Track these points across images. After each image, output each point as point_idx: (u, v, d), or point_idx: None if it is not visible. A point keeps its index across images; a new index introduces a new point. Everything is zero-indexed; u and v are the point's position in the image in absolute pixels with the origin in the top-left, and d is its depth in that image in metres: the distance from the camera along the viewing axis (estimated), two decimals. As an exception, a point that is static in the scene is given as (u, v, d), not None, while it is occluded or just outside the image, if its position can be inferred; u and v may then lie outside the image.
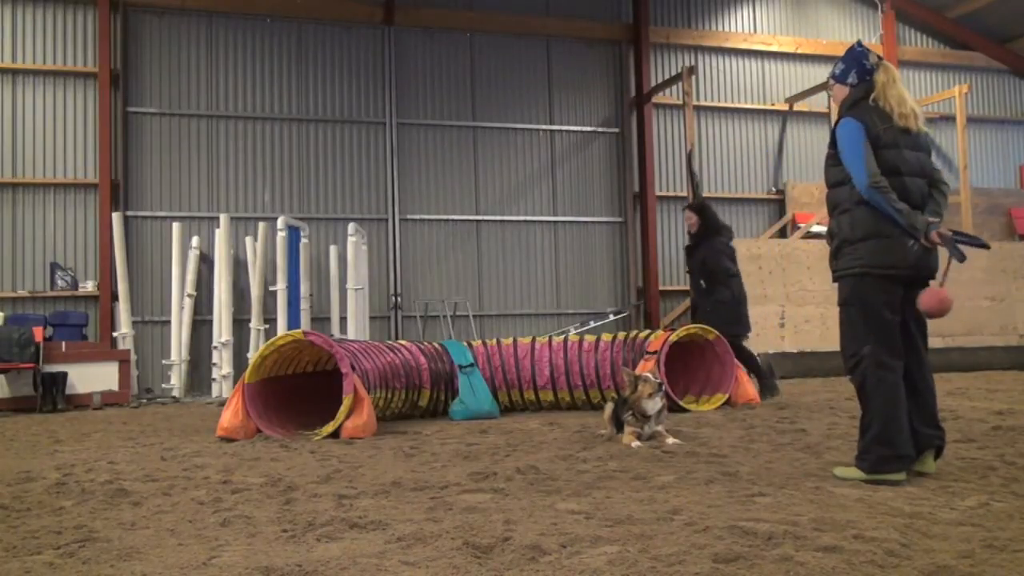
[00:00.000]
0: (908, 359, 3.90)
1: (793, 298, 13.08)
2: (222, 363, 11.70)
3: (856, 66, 4.06)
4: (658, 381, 5.47)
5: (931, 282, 3.91)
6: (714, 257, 8.19)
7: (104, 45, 12.68)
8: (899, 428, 3.77)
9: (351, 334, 11.91)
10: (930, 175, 4.00)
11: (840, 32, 16.53)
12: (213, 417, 7.49)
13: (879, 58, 4.08)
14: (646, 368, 7.11)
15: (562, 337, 8.13)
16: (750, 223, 15.74)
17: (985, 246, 3.94)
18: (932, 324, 4.12)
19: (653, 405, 5.35)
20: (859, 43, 4.18)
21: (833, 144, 4.00)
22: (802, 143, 16.15)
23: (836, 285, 4.04)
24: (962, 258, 3.72)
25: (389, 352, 7.16)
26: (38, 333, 10.18)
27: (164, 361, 12.22)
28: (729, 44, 15.84)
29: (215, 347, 11.90)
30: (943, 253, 3.83)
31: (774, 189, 15.93)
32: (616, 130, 15.20)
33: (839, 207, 3.98)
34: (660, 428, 5.38)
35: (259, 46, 13.56)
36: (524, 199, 14.64)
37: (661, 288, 14.95)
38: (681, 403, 7.28)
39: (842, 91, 4.12)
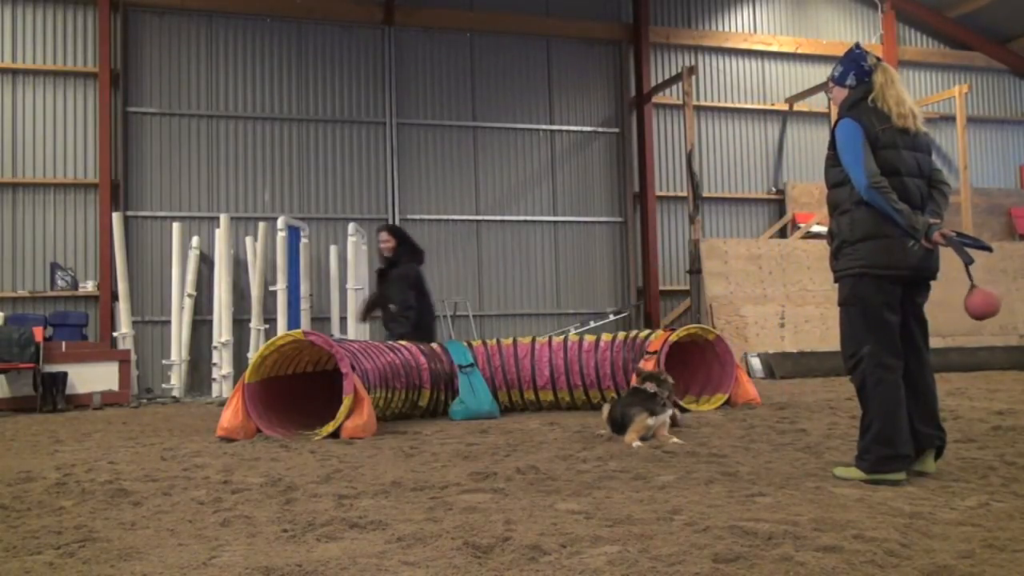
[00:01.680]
0: (909, 359, 3.90)
1: (793, 298, 13.08)
2: (222, 363, 11.70)
3: (854, 68, 4.06)
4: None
5: (974, 287, 3.83)
6: (398, 288, 8.14)
7: (104, 45, 12.69)
8: (899, 428, 3.77)
9: (351, 334, 11.91)
10: (930, 175, 4.00)
11: (840, 32, 16.53)
12: (213, 417, 7.49)
13: (877, 59, 4.08)
14: (646, 368, 7.12)
15: (562, 337, 8.12)
16: (750, 223, 15.74)
17: (988, 248, 3.94)
18: (932, 324, 4.12)
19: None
20: (857, 45, 4.19)
21: (832, 145, 4.01)
22: (802, 143, 16.15)
23: (837, 285, 4.05)
24: (970, 260, 3.72)
25: (389, 352, 7.16)
26: (38, 333, 10.18)
27: (164, 361, 12.22)
28: (729, 44, 15.84)
29: (215, 347, 11.90)
30: (944, 253, 3.83)
31: (774, 189, 15.94)
32: (616, 130, 15.20)
33: (839, 208, 3.98)
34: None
35: (259, 46, 13.57)
36: (524, 199, 14.64)
37: (661, 288, 14.96)
38: (681, 403, 7.27)
39: (841, 93, 4.13)
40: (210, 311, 12.33)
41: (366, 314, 9.07)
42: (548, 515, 3.23)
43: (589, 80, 15.15)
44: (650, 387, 5.47)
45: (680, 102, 14.76)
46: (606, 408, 5.77)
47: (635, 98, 15.21)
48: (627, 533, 2.89)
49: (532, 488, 3.83)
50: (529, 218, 14.58)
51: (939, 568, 2.41)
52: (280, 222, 12.07)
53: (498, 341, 8.11)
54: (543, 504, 3.46)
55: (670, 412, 5.48)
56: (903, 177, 3.87)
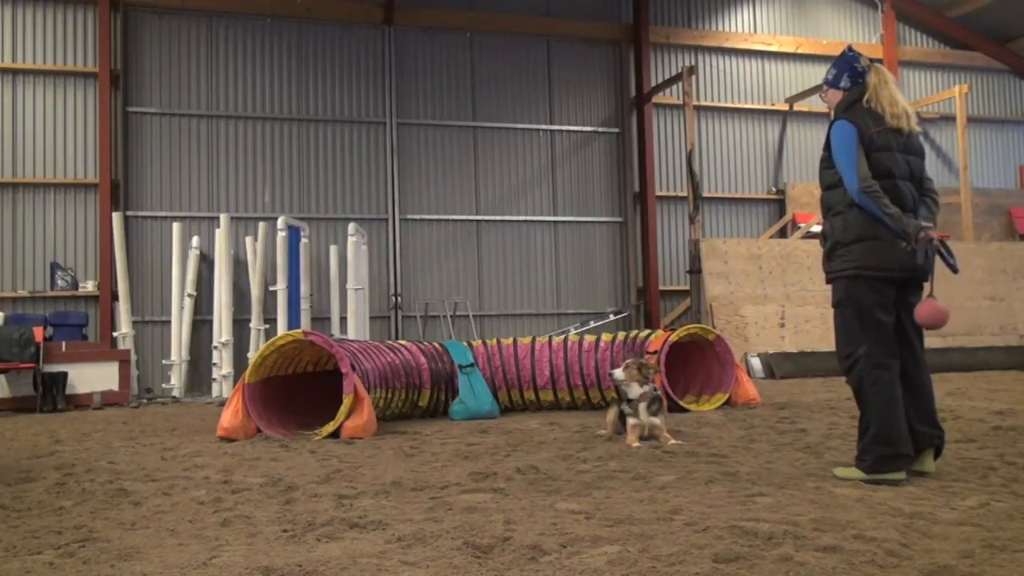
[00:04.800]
0: (905, 358, 3.91)
1: (793, 298, 13.07)
2: (222, 363, 11.70)
3: (848, 70, 4.07)
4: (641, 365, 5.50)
5: (925, 294, 3.89)
6: None
7: (104, 45, 12.69)
8: (897, 427, 3.77)
9: (351, 334, 11.91)
10: (920, 181, 4.01)
11: (840, 32, 16.53)
12: (213, 417, 7.49)
13: (870, 60, 4.09)
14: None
15: (562, 337, 8.12)
16: (750, 223, 15.74)
17: (955, 270, 3.85)
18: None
19: (635, 391, 5.38)
20: (850, 48, 4.20)
21: (827, 146, 4.01)
22: (802, 143, 16.15)
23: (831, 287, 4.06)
24: (955, 270, 3.75)
25: (389, 352, 7.16)
26: (38, 333, 10.18)
27: (164, 361, 12.22)
28: (729, 44, 15.84)
29: (215, 347, 11.90)
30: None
31: (774, 189, 15.93)
32: (616, 130, 15.20)
33: (833, 209, 3.99)
34: (658, 421, 5.35)
35: (259, 46, 13.57)
36: (524, 199, 14.64)
37: (661, 288, 14.96)
38: (681, 403, 7.28)
39: (836, 96, 4.14)
40: (210, 311, 12.33)
41: None
42: (548, 515, 3.23)
43: (589, 80, 15.15)
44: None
45: (680, 102, 14.76)
46: (612, 411, 5.74)
47: (635, 98, 15.21)
48: (627, 533, 2.89)
49: (532, 488, 3.83)
50: (529, 218, 14.58)
51: (939, 568, 2.41)
52: (280, 222, 12.07)
53: (498, 341, 8.11)
54: (543, 504, 3.46)
55: (641, 414, 5.41)
56: (896, 180, 3.88)
